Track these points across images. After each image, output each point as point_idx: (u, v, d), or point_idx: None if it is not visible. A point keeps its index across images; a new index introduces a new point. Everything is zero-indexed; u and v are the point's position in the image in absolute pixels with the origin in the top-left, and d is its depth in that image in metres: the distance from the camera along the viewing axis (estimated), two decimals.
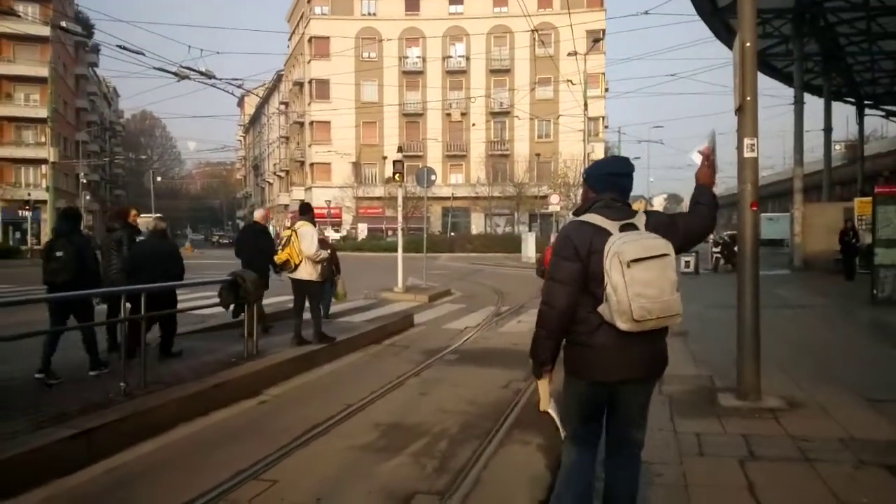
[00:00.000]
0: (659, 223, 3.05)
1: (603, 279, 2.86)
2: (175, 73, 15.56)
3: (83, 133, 61.67)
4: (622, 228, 2.95)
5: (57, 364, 6.94)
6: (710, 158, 3.31)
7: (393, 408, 6.52)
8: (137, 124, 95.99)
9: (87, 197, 56.15)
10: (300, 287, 8.84)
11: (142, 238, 8.40)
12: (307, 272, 8.65)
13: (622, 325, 2.83)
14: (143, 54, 15.41)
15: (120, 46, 15.12)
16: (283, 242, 8.70)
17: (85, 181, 57.65)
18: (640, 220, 3.02)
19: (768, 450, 4.72)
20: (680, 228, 3.13)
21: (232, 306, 7.94)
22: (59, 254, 6.93)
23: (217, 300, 7.92)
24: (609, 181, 3.14)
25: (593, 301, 2.94)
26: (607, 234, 2.93)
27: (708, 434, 5.10)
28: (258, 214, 10.99)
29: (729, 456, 4.63)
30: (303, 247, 8.52)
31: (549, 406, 3.17)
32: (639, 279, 2.79)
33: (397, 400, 6.87)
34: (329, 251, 9.53)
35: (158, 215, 9.16)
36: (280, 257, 8.64)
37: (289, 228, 8.94)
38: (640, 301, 2.78)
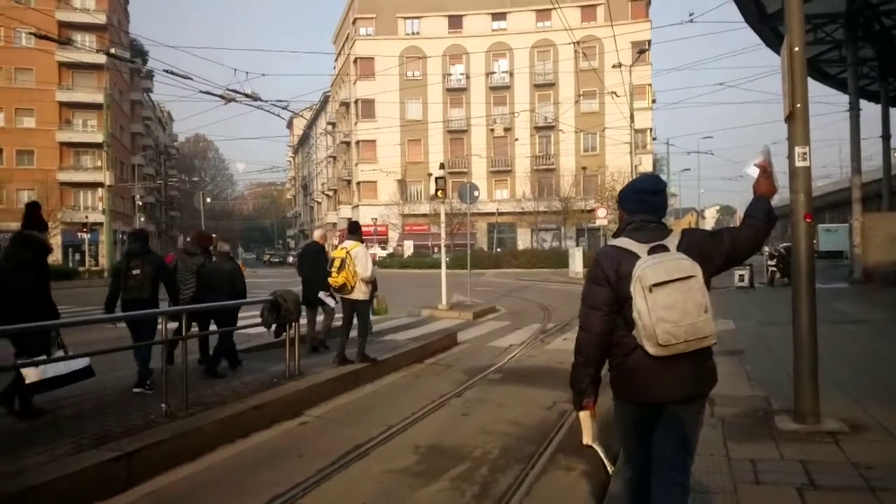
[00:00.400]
0: (693, 241, 2.98)
1: (630, 303, 2.85)
2: (221, 97, 15.87)
3: (138, 157, 63.70)
4: (651, 251, 2.91)
5: (99, 385, 7.04)
6: (767, 171, 3.19)
7: (434, 429, 6.40)
8: (191, 147, 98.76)
9: (142, 219, 57.82)
10: (351, 306, 8.82)
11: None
12: (362, 292, 8.67)
13: (650, 349, 2.81)
14: (191, 78, 15.78)
15: (167, 71, 15.53)
16: (336, 265, 8.48)
17: (140, 203, 59.48)
18: (671, 241, 2.97)
19: (829, 478, 4.42)
20: (726, 242, 3.05)
21: (274, 326, 7.94)
22: (135, 272, 7.25)
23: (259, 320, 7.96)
24: (639, 201, 3.10)
25: (627, 325, 2.91)
26: (635, 257, 2.91)
27: (764, 460, 4.82)
28: (317, 234, 11.29)
29: (786, 484, 4.35)
30: (359, 269, 8.48)
31: (592, 440, 3.08)
32: (661, 303, 2.77)
33: (438, 421, 6.75)
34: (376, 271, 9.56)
35: (212, 236, 9.46)
36: (336, 281, 8.47)
37: (340, 248, 8.77)
38: (664, 325, 2.76)
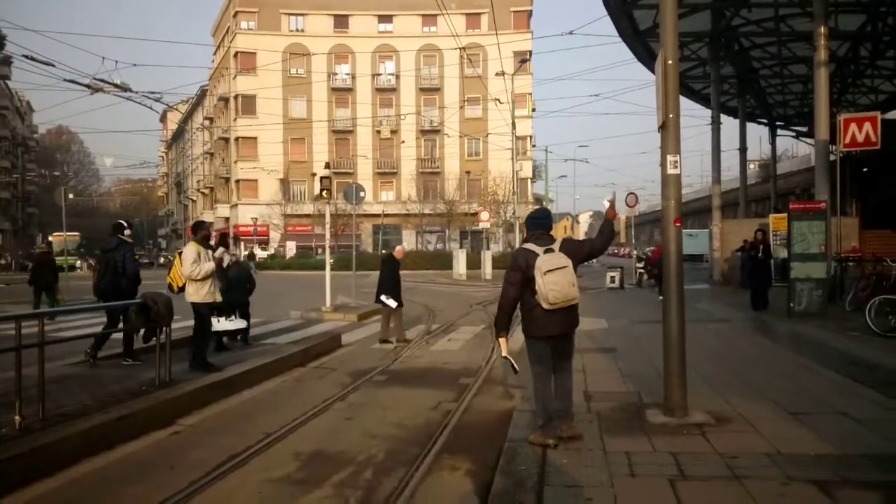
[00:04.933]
0: (569, 247, 5.37)
1: (535, 280, 5.10)
2: (87, 86, 14.82)
3: None
4: (545, 252, 5.22)
5: None
6: (613, 204, 6.10)
7: (316, 435, 6.22)
8: (53, 139, 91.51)
9: None
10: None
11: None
12: (189, 294, 8.41)
13: (545, 306, 5.12)
14: (54, 66, 14.65)
15: (27, 57, 14.35)
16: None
17: None
18: (556, 246, 5.30)
19: (698, 468, 4.67)
20: (586, 247, 5.61)
21: (143, 330, 7.46)
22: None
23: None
24: (538, 224, 5.50)
25: (532, 293, 5.17)
26: (536, 255, 5.21)
27: (637, 453, 5.02)
28: (398, 249, 13.94)
29: (659, 475, 4.55)
30: (183, 269, 8.34)
31: (506, 354, 5.27)
32: (551, 281, 5.07)
33: (321, 426, 6.57)
34: (212, 268, 8.66)
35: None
36: (167, 280, 8.67)
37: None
38: (553, 293, 5.07)
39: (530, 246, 5.27)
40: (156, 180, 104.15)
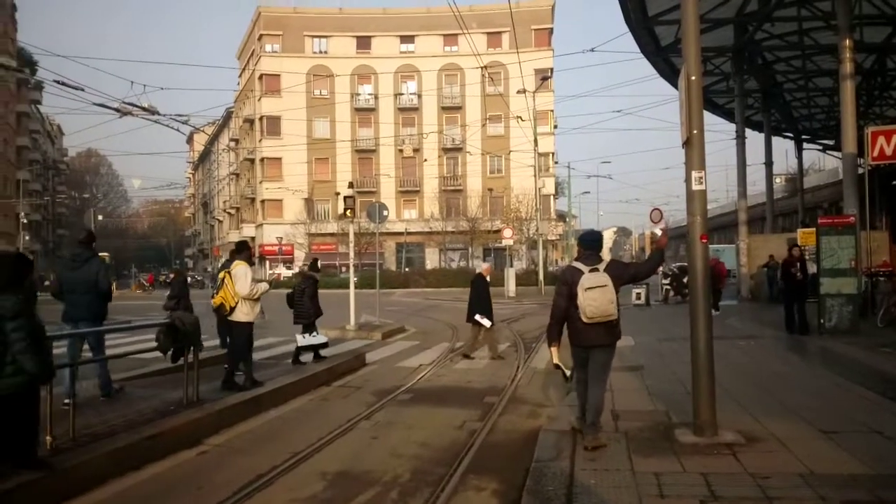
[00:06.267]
0: (614, 269, 5.78)
1: (577, 296, 5.57)
2: (116, 110, 15.12)
3: (24, 172, 59.73)
4: (590, 270, 5.66)
5: None
6: (665, 232, 6.60)
7: (342, 454, 6.22)
8: (82, 162, 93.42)
9: (27, 237, 54.16)
10: (232, 328, 8.73)
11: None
12: (244, 313, 8.52)
13: (584, 319, 5.57)
14: (83, 90, 14.94)
15: (58, 82, 14.66)
16: (218, 285, 8.55)
17: (26, 221, 55.75)
18: (601, 266, 5.71)
19: (729, 489, 4.57)
20: (631, 270, 6.09)
21: (171, 351, 7.52)
22: None
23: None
24: (587, 244, 5.98)
25: (576, 307, 5.61)
26: (581, 273, 5.67)
27: (667, 474, 4.94)
28: (484, 267, 14.27)
29: (690, 496, 4.47)
30: (237, 287, 8.42)
31: (558, 361, 5.82)
32: (590, 297, 5.53)
33: (347, 446, 6.57)
34: (267, 287, 9.19)
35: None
36: (215, 301, 8.57)
37: (223, 270, 8.82)
38: (591, 308, 5.53)
39: (577, 264, 5.79)
40: (182, 201, 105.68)
